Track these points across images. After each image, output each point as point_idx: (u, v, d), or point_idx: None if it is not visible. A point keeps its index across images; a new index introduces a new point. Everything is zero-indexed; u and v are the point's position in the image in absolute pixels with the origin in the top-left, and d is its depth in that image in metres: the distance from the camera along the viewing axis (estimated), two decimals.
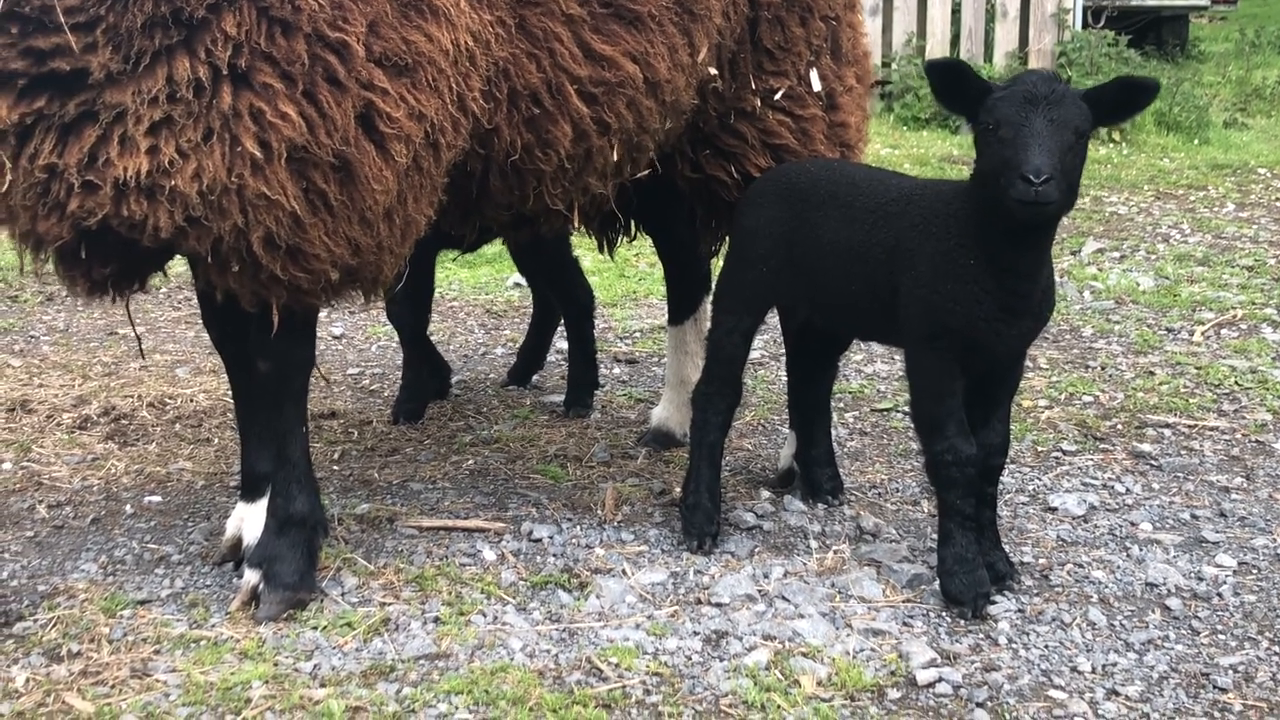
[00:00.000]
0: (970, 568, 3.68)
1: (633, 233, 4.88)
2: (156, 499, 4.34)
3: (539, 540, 4.09)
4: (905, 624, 3.62)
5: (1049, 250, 3.61)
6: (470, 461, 4.75)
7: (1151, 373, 5.76)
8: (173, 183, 3.04)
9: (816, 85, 4.31)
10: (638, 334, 6.43)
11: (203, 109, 3.04)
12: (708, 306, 4.70)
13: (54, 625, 3.50)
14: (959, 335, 3.58)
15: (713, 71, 4.11)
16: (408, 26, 3.22)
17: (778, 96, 4.25)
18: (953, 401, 3.66)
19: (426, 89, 3.25)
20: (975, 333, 3.56)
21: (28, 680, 3.23)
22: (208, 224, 3.11)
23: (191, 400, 5.26)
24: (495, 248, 7.97)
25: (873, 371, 5.79)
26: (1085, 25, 12.56)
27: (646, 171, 4.17)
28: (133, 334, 6.10)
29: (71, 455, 4.70)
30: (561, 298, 5.48)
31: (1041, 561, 3.99)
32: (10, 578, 3.78)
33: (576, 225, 4.32)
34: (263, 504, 3.73)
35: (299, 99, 3.09)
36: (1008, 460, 4.62)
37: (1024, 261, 3.53)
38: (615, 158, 3.91)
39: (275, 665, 3.32)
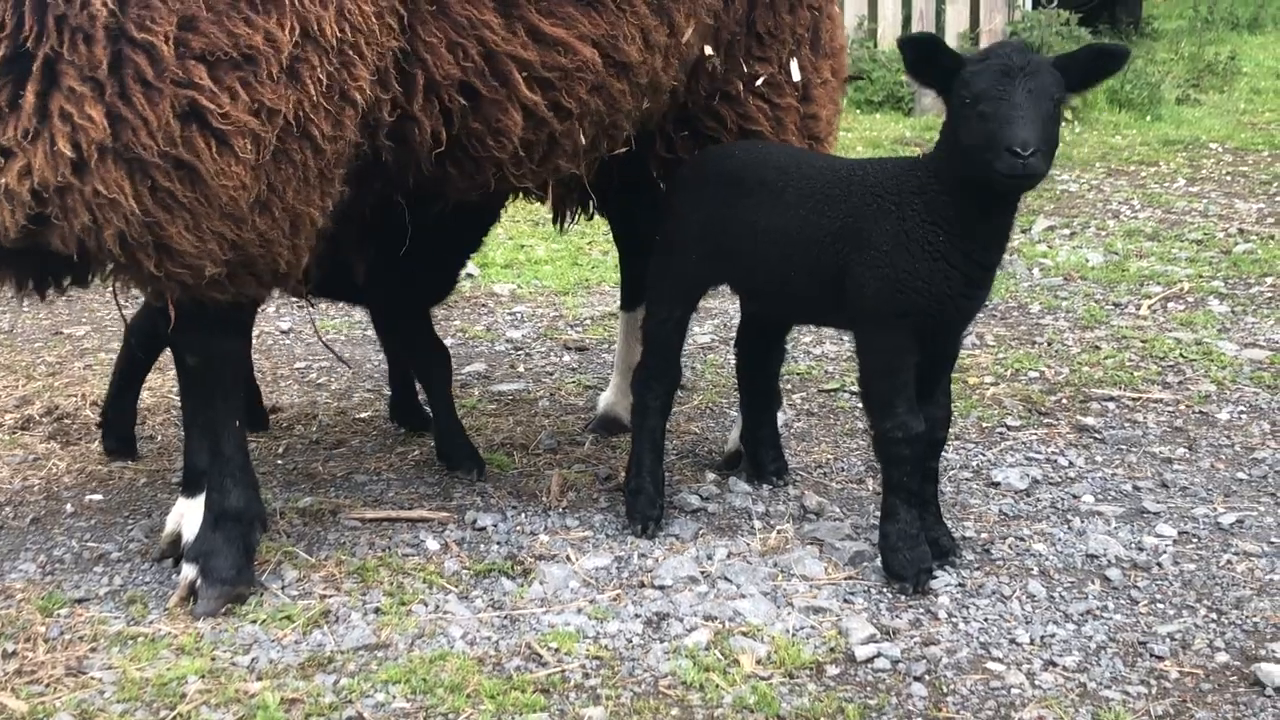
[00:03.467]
0: (913, 544, 3.69)
1: (590, 211, 4.82)
2: (98, 497, 4.32)
3: (483, 529, 4.09)
4: (846, 601, 3.63)
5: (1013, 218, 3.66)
6: (416, 452, 4.73)
7: (1097, 347, 5.79)
8: (3, 181, 3.04)
9: (796, 75, 4.30)
10: (588, 321, 6.42)
11: (15, 107, 3.04)
12: None
13: None
14: (923, 312, 3.59)
15: (709, 51, 4.07)
16: (236, 20, 3.14)
17: (759, 83, 4.23)
18: (905, 378, 3.66)
19: (271, 81, 3.18)
20: (940, 308, 3.58)
21: None
22: (58, 224, 3.11)
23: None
24: None
25: (821, 353, 5.80)
26: (1037, 4, 12.59)
27: (624, 150, 4.10)
28: (78, 333, 6.06)
29: (13, 455, 4.67)
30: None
31: (983, 536, 4.01)
32: None
33: (549, 202, 4.34)
34: (202, 499, 3.71)
35: (109, 101, 3.06)
36: (951, 436, 4.65)
37: (995, 232, 3.58)
38: (585, 140, 3.86)
39: (212, 660, 3.30)
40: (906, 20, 12.48)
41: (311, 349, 6.01)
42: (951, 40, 12.36)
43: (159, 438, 4.86)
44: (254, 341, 6.06)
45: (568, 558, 3.89)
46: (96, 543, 3.98)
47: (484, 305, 6.76)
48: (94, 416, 5.03)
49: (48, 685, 3.20)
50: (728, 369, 5.45)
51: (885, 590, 3.67)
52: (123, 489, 4.39)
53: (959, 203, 3.53)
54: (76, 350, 5.93)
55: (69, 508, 4.23)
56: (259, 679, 3.22)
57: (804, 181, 3.81)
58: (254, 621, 3.49)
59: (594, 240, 7.97)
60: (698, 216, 3.99)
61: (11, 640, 3.40)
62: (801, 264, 3.78)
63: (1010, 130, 3.33)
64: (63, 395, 5.27)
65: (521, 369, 5.76)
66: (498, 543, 4.00)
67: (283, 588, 3.69)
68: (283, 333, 6.28)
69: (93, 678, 3.23)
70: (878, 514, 4.09)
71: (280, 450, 4.75)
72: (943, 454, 4.42)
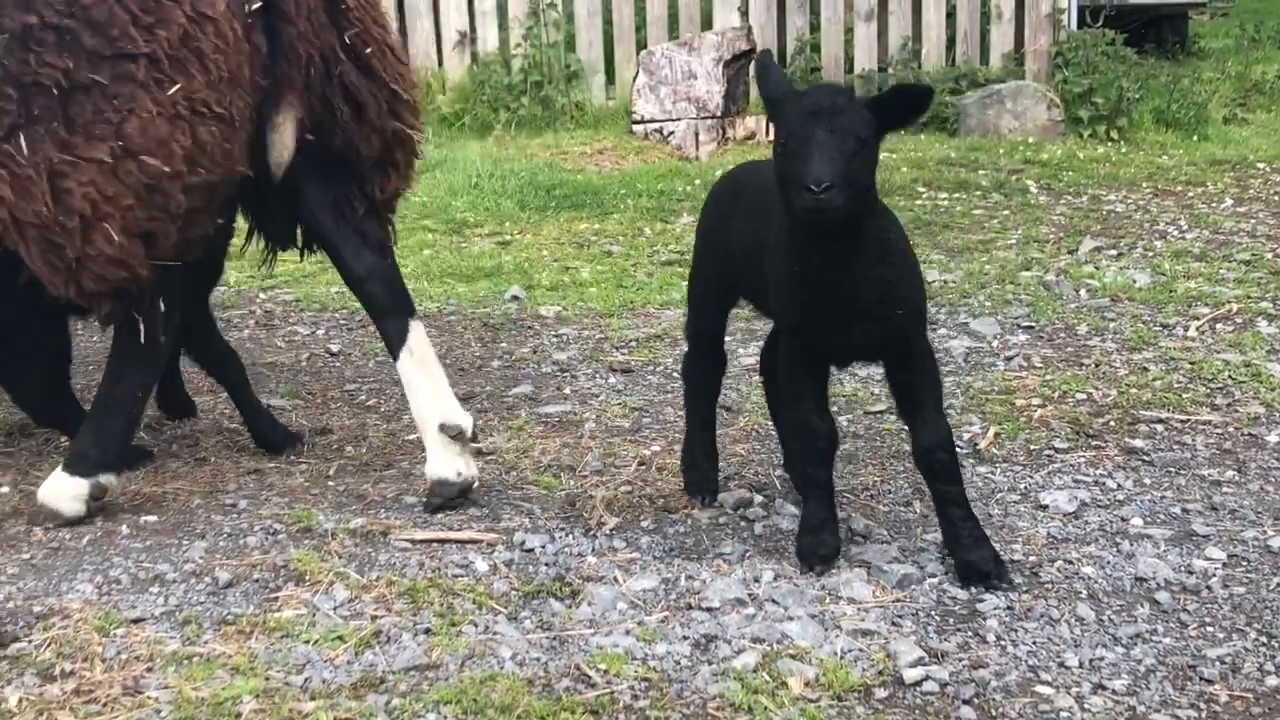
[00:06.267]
0: (815, 530, 3.91)
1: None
2: (152, 519, 4.38)
3: (531, 550, 4.12)
4: (894, 624, 3.63)
5: (868, 252, 3.67)
6: None
7: (1145, 369, 5.77)
8: None
9: (24, 150, 3.97)
10: (634, 343, 6.45)
11: None
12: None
13: (48, 646, 3.53)
14: (797, 329, 3.86)
15: None
16: None
17: None
18: (806, 378, 3.90)
19: None
20: (808, 329, 3.81)
21: (20, 700, 3.26)
22: None
23: (187, 420, 5.29)
24: (493, 260, 8.05)
25: (867, 374, 5.80)
26: (1082, 24, 12.57)
27: None
28: None
29: None
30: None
31: (1031, 559, 4.01)
32: (6, 600, 3.81)
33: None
34: None
35: None
36: (999, 458, 4.67)
37: (833, 263, 3.65)
38: None
39: (266, 679, 3.34)
40: (951, 41, 12.49)
41: (360, 371, 6.08)
42: (996, 61, 12.37)
43: (212, 460, 4.92)
44: (303, 363, 6.17)
45: (615, 579, 3.92)
46: (152, 563, 4.03)
47: (530, 327, 6.81)
48: (147, 438, 5.11)
49: (105, 704, 3.25)
50: None
51: (934, 613, 3.68)
52: (177, 510, 4.45)
53: (794, 233, 3.68)
54: None
55: (124, 529, 4.30)
56: (312, 698, 3.26)
57: (760, 196, 3.98)
58: (307, 642, 3.53)
59: (639, 263, 8.02)
60: (712, 233, 4.35)
61: (70, 660, 3.45)
62: (758, 271, 3.99)
63: (807, 167, 3.43)
64: None
65: (568, 391, 5.79)
66: (546, 564, 4.03)
67: (335, 608, 3.73)
68: (331, 355, 6.35)
69: (149, 697, 3.28)
70: (925, 537, 4.11)
71: (331, 472, 4.81)
72: (987, 476, 4.44)
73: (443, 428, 4.44)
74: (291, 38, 4.19)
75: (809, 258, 3.67)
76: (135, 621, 3.66)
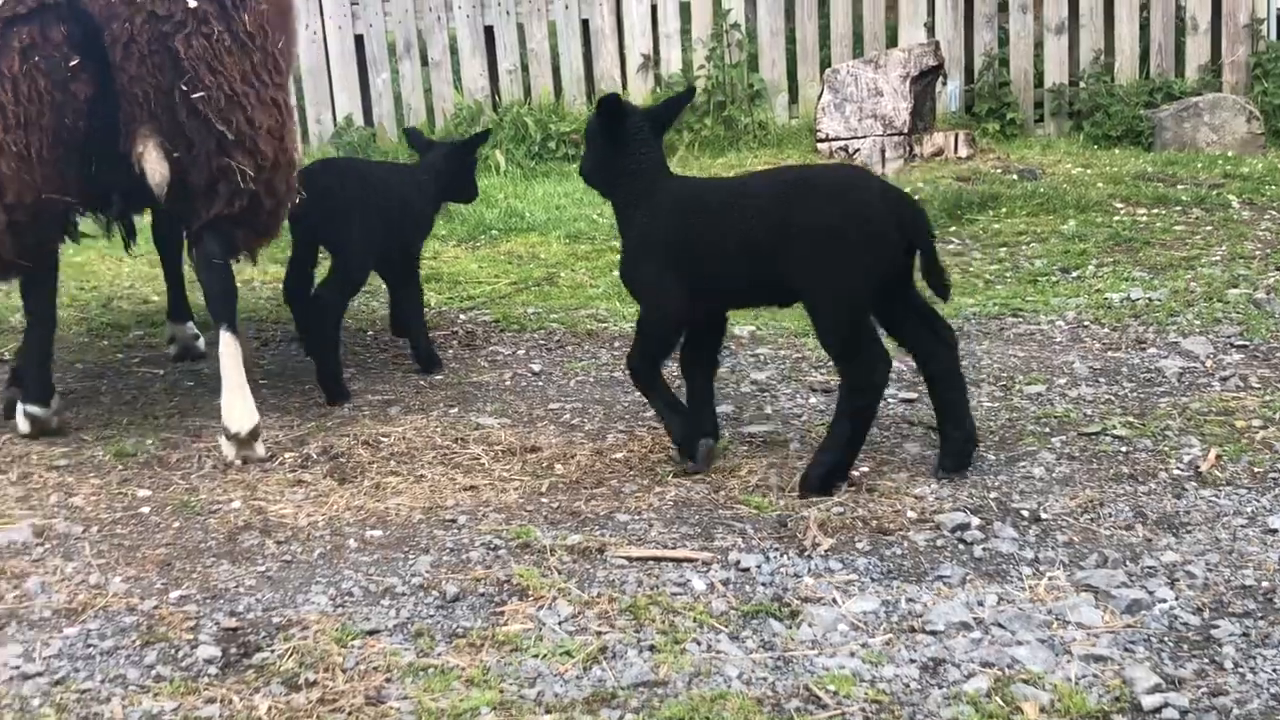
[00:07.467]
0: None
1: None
2: (378, 533, 4.51)
3: (747, 569, 4.14)
4: (1127, 649, 3.56)
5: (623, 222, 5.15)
6: (673, 492, 4.82)
7: None
8: None
9: None
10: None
11: None
12: None
13: (290, 655, 3.66)
14: None
15: None
16: None
17: None
18: None
19: None
20: None
21: (270, 708, 3.38)
22: None
23: (404, 438, 5.44)
24: None
25: (1078, 395, 5.70)
26: None
27: None
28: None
29: (295, 493, 4.91)
30: None
31: (1264, 584, 3.89)
32: (246, 610, 3.97)
33: None
34: None
35: None
36: (1221, 480, 4.54)
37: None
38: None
39: (501, 692, 3.42)
40: (1145, 53, 12.20)
41: (563, 390, 6.17)
42: (1191, 74, 12.04)
43: (429, 476, 5.05)
44: (507, 383, 6.28)
45: (834, 600, 3.91)
46: (381, 577, 4.15)
47: (725, 347, 6.81)
48: (366, 455, 5.26)
49: (350, 714, 3.36)
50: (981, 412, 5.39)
51: (1167, 639, 3.60)
52: (400, 525, 4.58)
53: None
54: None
55: (351, 543, 4.43)
56: (547, 712, 3.33)
57: None
58: (536, 656, 3.60)
59: None
60: None
61: (312, 670, 3.58)
62: None
63: None
64: (335, 435, 5.52)
65: (769, 410, 5.81)
66: (762, 584, 4.05)
67: (559, 623, 3.80)
68: (534, 374, 6.46)
69: (391, 707, 3.37)
70: (1150, 562, 4.03)
71: (543, 489, 4.89)
72: (1211, 500, 4.32)
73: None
74: (124, 81, 5.04)
75: None
76: (371, 633, 3.78)
